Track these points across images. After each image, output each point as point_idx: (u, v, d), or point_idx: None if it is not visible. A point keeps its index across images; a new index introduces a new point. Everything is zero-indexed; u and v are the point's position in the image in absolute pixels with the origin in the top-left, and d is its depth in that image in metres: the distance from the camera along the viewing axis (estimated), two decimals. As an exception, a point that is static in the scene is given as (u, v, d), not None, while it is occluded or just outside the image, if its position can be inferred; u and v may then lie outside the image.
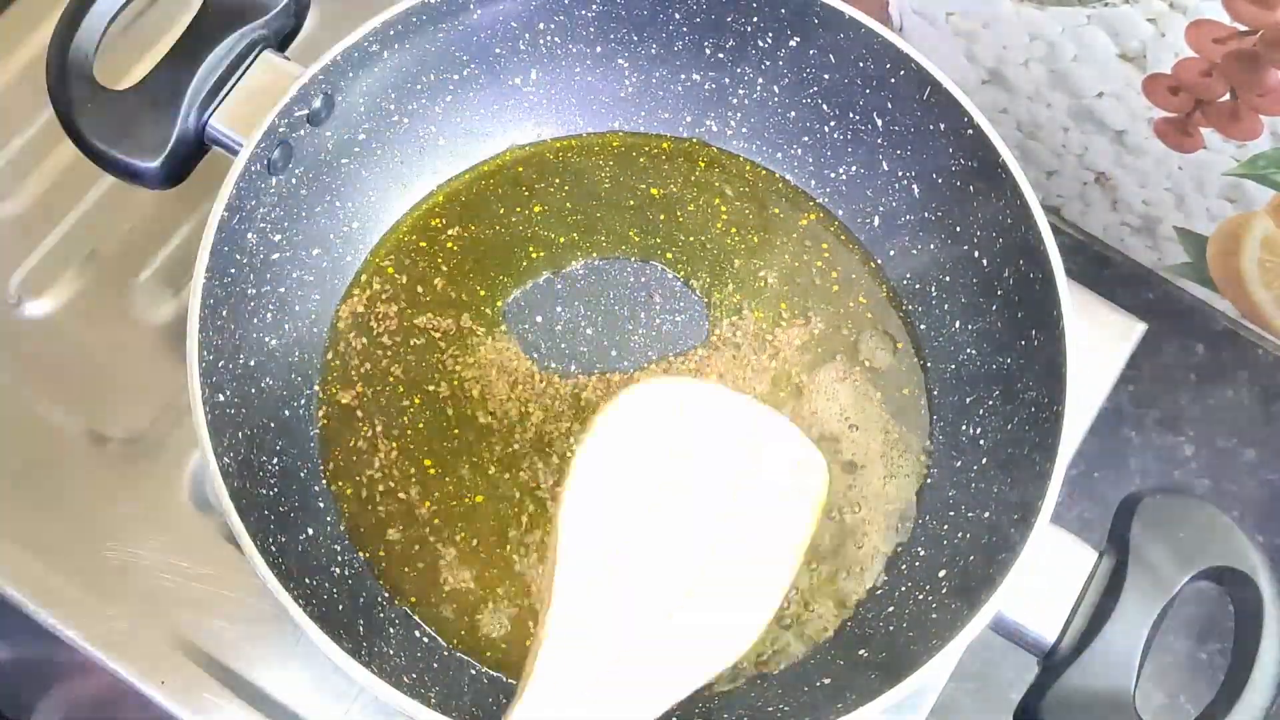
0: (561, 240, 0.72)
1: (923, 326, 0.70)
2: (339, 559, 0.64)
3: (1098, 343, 0.75)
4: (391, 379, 0.68)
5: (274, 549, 0.58)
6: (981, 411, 0.66)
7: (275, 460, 0.64)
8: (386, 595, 0.64)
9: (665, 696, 0.48)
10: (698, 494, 0.51)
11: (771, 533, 0.52)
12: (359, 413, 0.67)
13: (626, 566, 0.49)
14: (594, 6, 0.70)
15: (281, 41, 0.68)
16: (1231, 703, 0.56)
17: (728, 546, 0.51)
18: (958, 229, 0.68)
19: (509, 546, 0.65)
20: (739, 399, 0.55)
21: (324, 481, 0.66)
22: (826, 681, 0.62)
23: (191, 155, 0.65)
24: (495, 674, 0.63)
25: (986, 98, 0.80)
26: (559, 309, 0.70)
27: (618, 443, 0.51)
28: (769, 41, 0.70)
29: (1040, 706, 0.58)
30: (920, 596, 0.63)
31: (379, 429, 0.67)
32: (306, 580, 0.60)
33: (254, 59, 0.66)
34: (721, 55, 0.71)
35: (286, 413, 0.66)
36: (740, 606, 0.51)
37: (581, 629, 0.47)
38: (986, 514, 0.62)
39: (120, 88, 0.64)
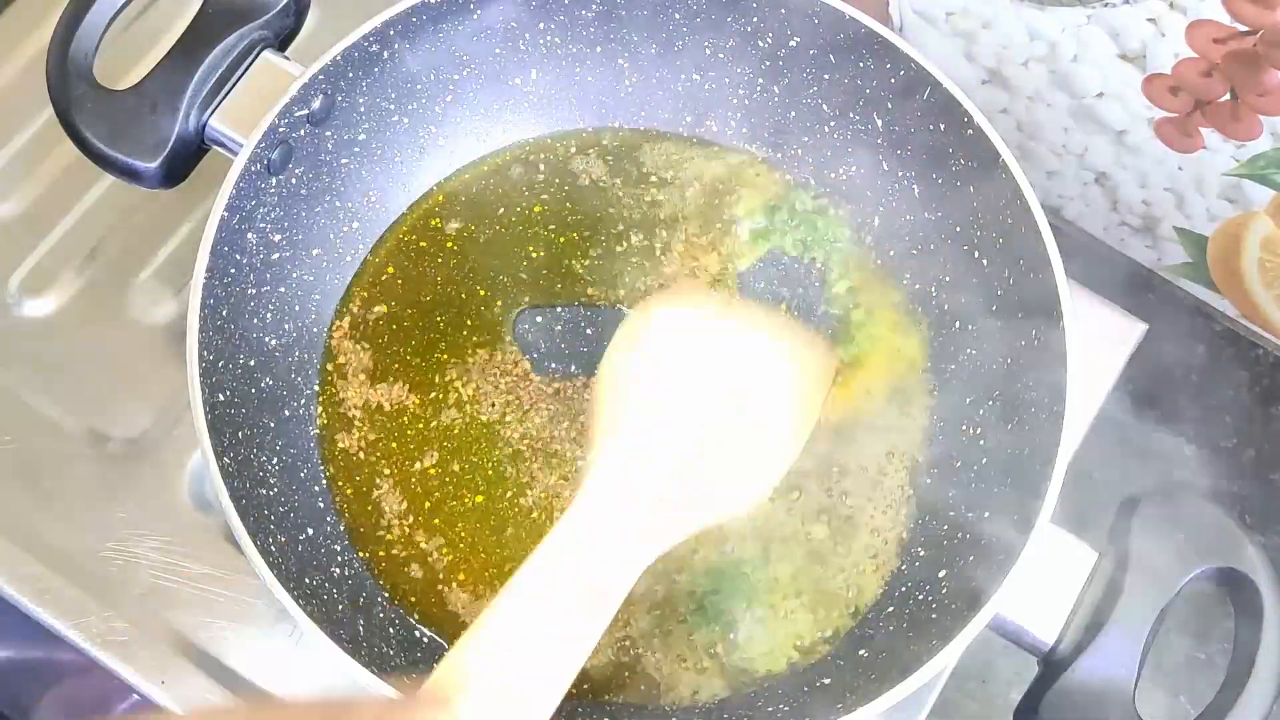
0: (561, 240, 0.72)
1: (923, 326, 0.70)
2: (339, 559, 0.64)
3: (1098, 343, 0.75)
4: (391, 378, 0.68)
5: (274, 549, 0.58)
6: (981, 411, 0.66)
7: (275, 460, 0.64)
8: (386, 595, 0.64)
9: (691, 523, 0.57)
10: (718, 376, 0.60)
11: (783, 406, 0.61)
12: (358, 412, 0.67)
13: (661, 417, 0.58)
14: (594, 6, 0.70)
15: (281, 41, 0.68)
16: (1231, 703, 0.56)
17: (745, 415, 0.59)
18: (958, 229, 0.68)
19: (508, 546, 0.65)
20: (725, 315, 0.64)
21: (324, 481, 0.66)
22: (826, 682, 0.62)
23: (191, 155, 0.65)
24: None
25: (986, 98, 0.80)
26: (559, 309, 0.70)
27: (650, 332, 0.60)
28: (769, 41, 0.70)
29: (1040, 706, 0.58)
30: (920, 597, 0.63)
31: (378, 429, 0.67)
32: (306, 580, 0.60)
33: (254, 59, 0.66)
34: (721, 55, 0.71)
35: (286, 413, 0.66)
36: (757, 463, 0.59)
37: (623, 461, 0.56)
38: (986, 514, 0.62)
39: (120, 88, 0.64)
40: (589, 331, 0.70)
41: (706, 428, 0.58)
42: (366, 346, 0.69)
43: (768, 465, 0.60)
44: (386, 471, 0.66)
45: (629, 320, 0.61)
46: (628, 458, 0.56)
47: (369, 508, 0.65)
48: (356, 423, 0.67)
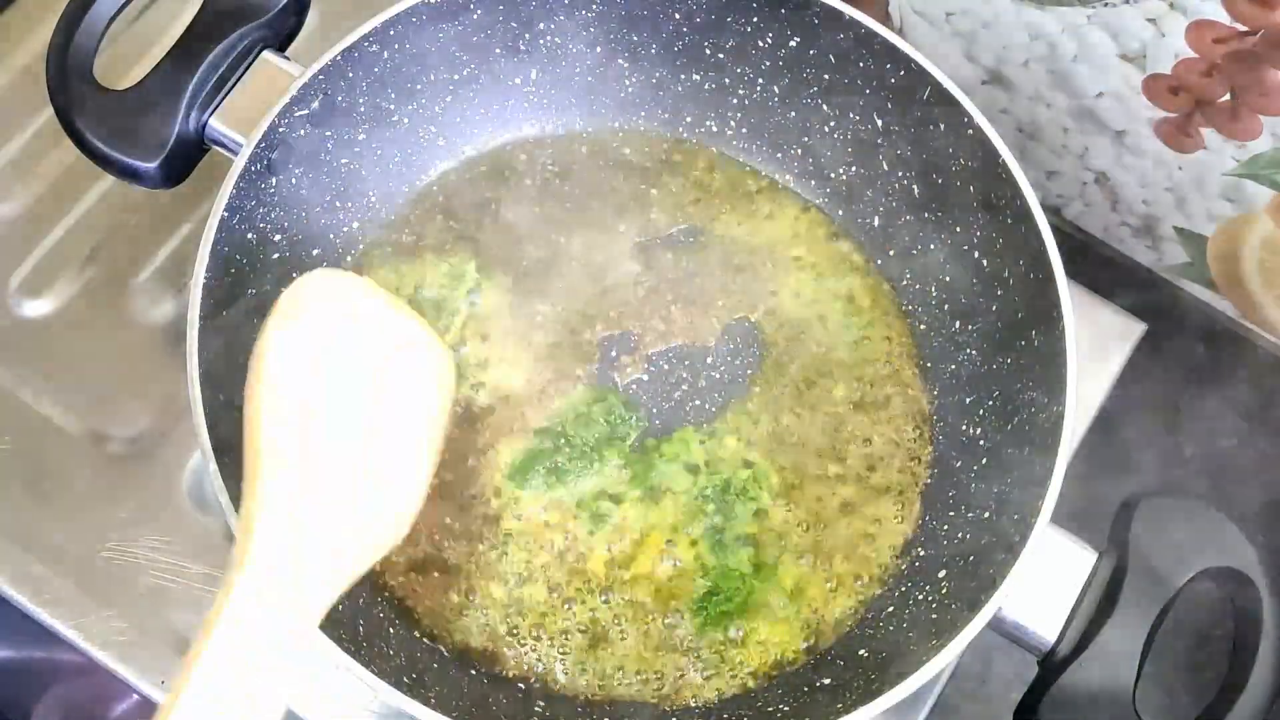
0: (560, 240, 0.72)
1: (923, 326, 0.70)
2: (339, 559, 0.64)
3: (1098, 343, 0.75)
4: (391, 379, 0.68)
5: (274, 549, 0.58)
6: (981, 411, 0.66)
7: (275, 460, 0.63)
8: (386, 595, 0.64)
9: (355, 565, 0.53)
10: (355, 381, 0.56)
11: (412, 414, 0.58)
12: (359, 413, 0.67)
13: (311, 443, 0.53)
14: (594, 6, 0.70)
15: (281, 41, 0.68)
16: (1231, 703, 0.57)
17: (383, 428, 0.56)
18: (958, 229, 0.68)
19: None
20: (378, 295, 0.60)
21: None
22: (826, 682, 0.62)
23: (191, 155, 0.65)
24: (494, 674, 0.63)
25: (986, 98, 0.80)
26: (560, 309, 0.70)
27: (293, 330, 0.56)
28: (769, 41, 0.70)
29: (1040, 706, 0.58)
30: (920, 596, 0.63)
31: (379, 429, 0.67)
32: (306, 580, 0.59)
33: (254, 59, 0.66)
34: (721, 55, 0.71)
35: (286, 413, 0.66)
36: (399, 482, 0.56)
37: (283, 499, 0.51)
38: (986, 514, 0.62)
39: (120, 88, 0.65)
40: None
41: (362, 432, 0.54)
42: (366, 346, 0.69)
43: (413, 473, 0.56)
44: (386, 471, 0.66)
45: (276, 306, 0.56)
46: (291, 489, 0.51)
47: (369, 508, 0.65)
48: (356, 423, 0.67)
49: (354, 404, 0.55)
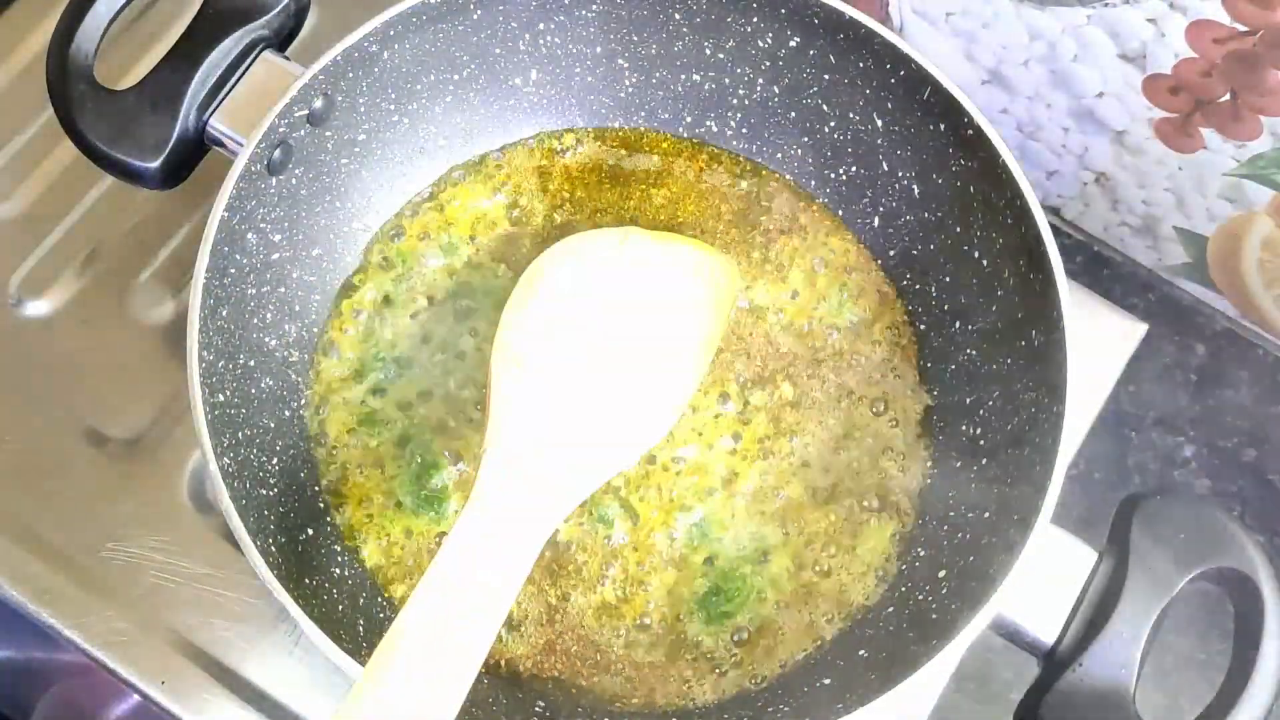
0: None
1: (923, 326, 0.70)
2: (339, 559, 0.64)
3: (1098, 343, 0.75)
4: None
5: (274, 549, 0.58)
6: (981, 411, 0.66)
7: (275, 460, 0.64)
8: (386, 596, 0.64)
9: (601, 472, 0.59)
10: (616, 313, 0.62)
11: (684, 331, 0.63)
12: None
13: (554, 381, 0.60)
14: (594, 6, 0.70)
15: (281, 41, 0.68)
16: (1231, 703, 0.56)
17: (644, 351, 0.62)
18: (958, 229, 0.68)
19: (509, 546, 0.65)
20: (646, 237, 0.66)
21: (323, 482, 0.66)
22: (826, 682, 0.62)
23: (191, 155, 0.65)
24: (494, 674, 0.63)
25: (986, 98, 0.80)
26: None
27: (543, 288, 0.62)
28: (769, 41, 0.70)
29: (1040, 706, 0.58)
30: (920, 597, 0.63)
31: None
32: (306, 580, 0.60)
33: (254, 59, 0.66)
34: (721, 55, 0.71)
35: (286, 413, 0.66)
36: (658, 395, 0.62)
37: (515, 444, 0.57)
38: (986, 514, 0.62)
39: (120, 88, 0.65)
40: (589, 331, 0.70)
41: (602, 358, 0.59)
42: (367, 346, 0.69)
43: (669, 392, 0.61)
44: (387, 470, 0.66)
45: (533, 265, 0.63)
46: (525, 406, 0.58)
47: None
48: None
49: (597, 344, 0.61)
